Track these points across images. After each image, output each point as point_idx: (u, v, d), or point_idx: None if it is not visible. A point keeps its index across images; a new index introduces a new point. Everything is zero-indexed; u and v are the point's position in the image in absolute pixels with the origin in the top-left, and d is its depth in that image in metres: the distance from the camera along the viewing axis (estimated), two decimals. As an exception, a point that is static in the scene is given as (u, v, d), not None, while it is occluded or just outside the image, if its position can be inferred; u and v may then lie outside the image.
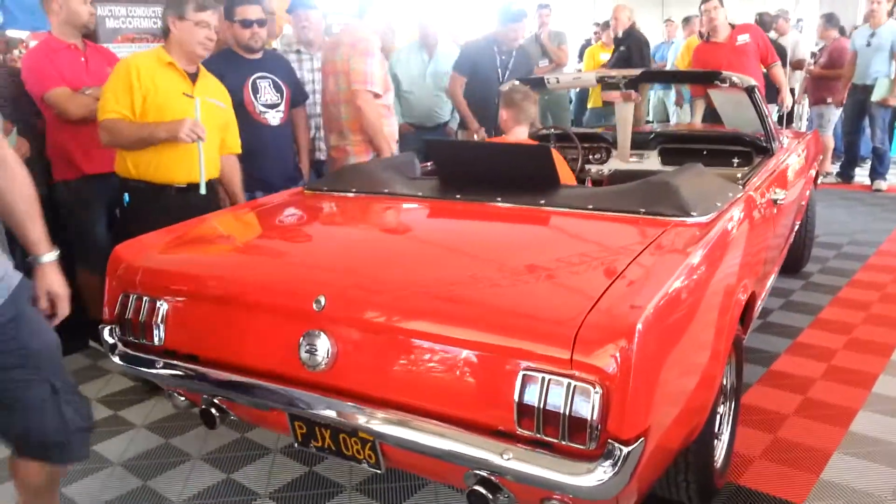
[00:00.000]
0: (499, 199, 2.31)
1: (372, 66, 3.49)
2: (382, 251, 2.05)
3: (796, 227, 3.92)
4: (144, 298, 2.02)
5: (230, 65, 3.40)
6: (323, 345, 1.73)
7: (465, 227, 2.29)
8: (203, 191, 2.83)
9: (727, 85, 3.28)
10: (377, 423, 1.67)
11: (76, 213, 3.36)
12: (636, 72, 3.57)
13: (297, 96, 3.72)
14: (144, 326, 2.01)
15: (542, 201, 2.25)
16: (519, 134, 3.15)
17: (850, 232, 5.49)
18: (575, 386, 1.45)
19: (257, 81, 3.47)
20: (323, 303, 1.74)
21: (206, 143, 2.80)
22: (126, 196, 2.86)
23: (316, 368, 1.74)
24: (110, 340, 2.08)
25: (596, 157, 3.94)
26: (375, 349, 1.72)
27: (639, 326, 1.44)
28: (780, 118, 6.16)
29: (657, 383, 1.55)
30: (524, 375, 1.50)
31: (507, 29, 4.85)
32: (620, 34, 6.43)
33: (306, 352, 1.74)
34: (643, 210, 2.10)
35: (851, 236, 5.37)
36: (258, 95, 3.46)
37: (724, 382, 2.30)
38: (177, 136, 2.66)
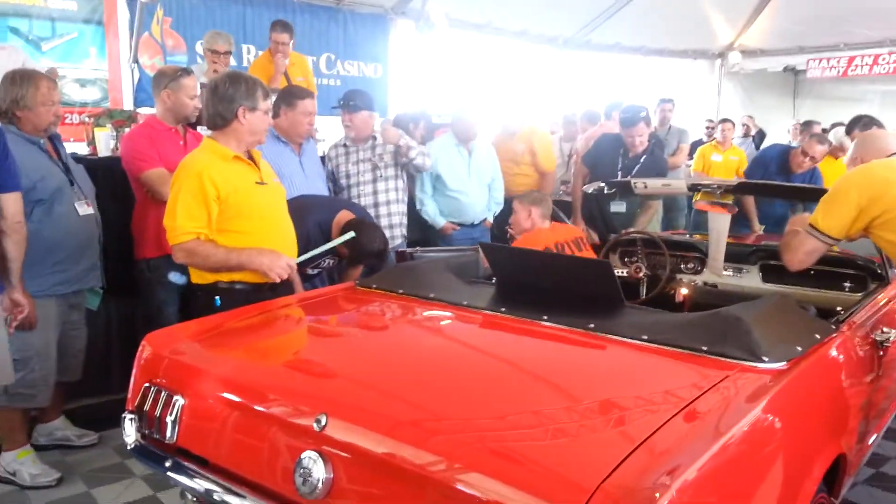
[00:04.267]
0: (545, 317, 2.11)
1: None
2: (402, 368, 1.89)
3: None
4: (163, 392, 1.96)
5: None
6: (318, 470, 1.57)
7: (499, 349, 2.09)
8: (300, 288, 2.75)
9: None
10: None
11: (154, 291, 3.43)
12: (733, 182, 3.30)
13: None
14: (160, 420, 1.94)
15: (592, 325, 2.02)
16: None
17: None
18: (577, 571, 1.21)
19: None
20: (323, 422, 1.60)
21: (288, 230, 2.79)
22: (217, 300, 2.62)
23: (310, 496, 1.58)
24: (129, 431, 2.03)
25: (688, 266, 3.65)
26: (372, 483, 1.55)
27: (660, 507, 1.19)
28: None
29: (687, 576, 1.27)
30: (521, 545, 1.27)
31: (625, 133, 4.66)
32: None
33: (300, 475, 1.59)
34: (706, 348, 1.83)
35: None
36: None
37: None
38: (266, 274, 2.59)
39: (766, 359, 1.77)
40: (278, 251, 2.64)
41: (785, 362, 1.79)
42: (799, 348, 1.87)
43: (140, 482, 3.02)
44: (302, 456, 1.60)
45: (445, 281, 2.50)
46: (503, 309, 2.21)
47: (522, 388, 1.79)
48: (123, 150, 3.46)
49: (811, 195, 3.08)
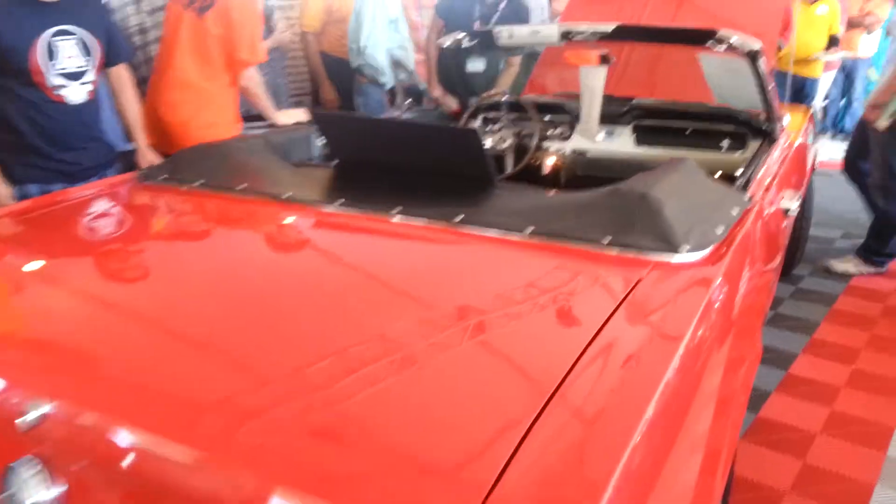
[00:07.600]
0: (398, 209, 1.54)
1: None
2: (176, 310, 1.25)
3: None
4: None
5: (11, 12, 2.27)
6: (35, 487, 0.98)
7: (330, 267, 1.48)
8: None
9: (724, 48, 2.52)
10: None
11: None
12: (609, 27, 2.78)
13: (113, 53, 2.60)
14: None
15: (460, 217, 1.49)
16: None
17: (843, 222, 4.82)
18: None
19: (55, 41, 2.33)
20: (33, 418, 0.98)
21: None
22: None
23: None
24: None
25: (556, 132, 3.17)
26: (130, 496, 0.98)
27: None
28: None
29: None
30: None
31: None
32: None
33: (7, 494, 0.99)
34: (609, 239, 1.36)
35: (845, 227, 4.71)
36: (55, 61, 2.33)
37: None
38: None
39: (682, 248, 1.33)
40: None
41: (705, 250, 1.36)
42: (719, 230, 1.44)
43: None
44: (8, 467, 0.99)
45: (265, 165, 1.86)
46: (341, 201, 1.62)
47: (365, 330, 1.19)
48: None
49: (697, 38, 2.64)
